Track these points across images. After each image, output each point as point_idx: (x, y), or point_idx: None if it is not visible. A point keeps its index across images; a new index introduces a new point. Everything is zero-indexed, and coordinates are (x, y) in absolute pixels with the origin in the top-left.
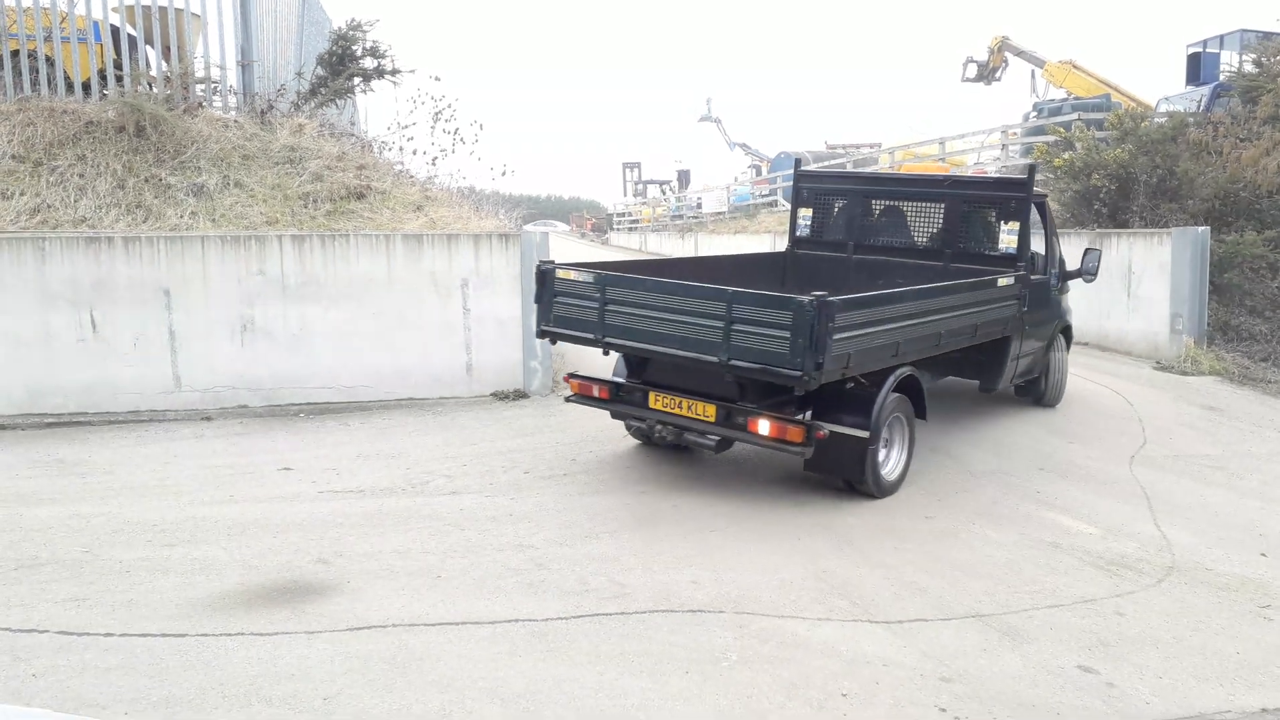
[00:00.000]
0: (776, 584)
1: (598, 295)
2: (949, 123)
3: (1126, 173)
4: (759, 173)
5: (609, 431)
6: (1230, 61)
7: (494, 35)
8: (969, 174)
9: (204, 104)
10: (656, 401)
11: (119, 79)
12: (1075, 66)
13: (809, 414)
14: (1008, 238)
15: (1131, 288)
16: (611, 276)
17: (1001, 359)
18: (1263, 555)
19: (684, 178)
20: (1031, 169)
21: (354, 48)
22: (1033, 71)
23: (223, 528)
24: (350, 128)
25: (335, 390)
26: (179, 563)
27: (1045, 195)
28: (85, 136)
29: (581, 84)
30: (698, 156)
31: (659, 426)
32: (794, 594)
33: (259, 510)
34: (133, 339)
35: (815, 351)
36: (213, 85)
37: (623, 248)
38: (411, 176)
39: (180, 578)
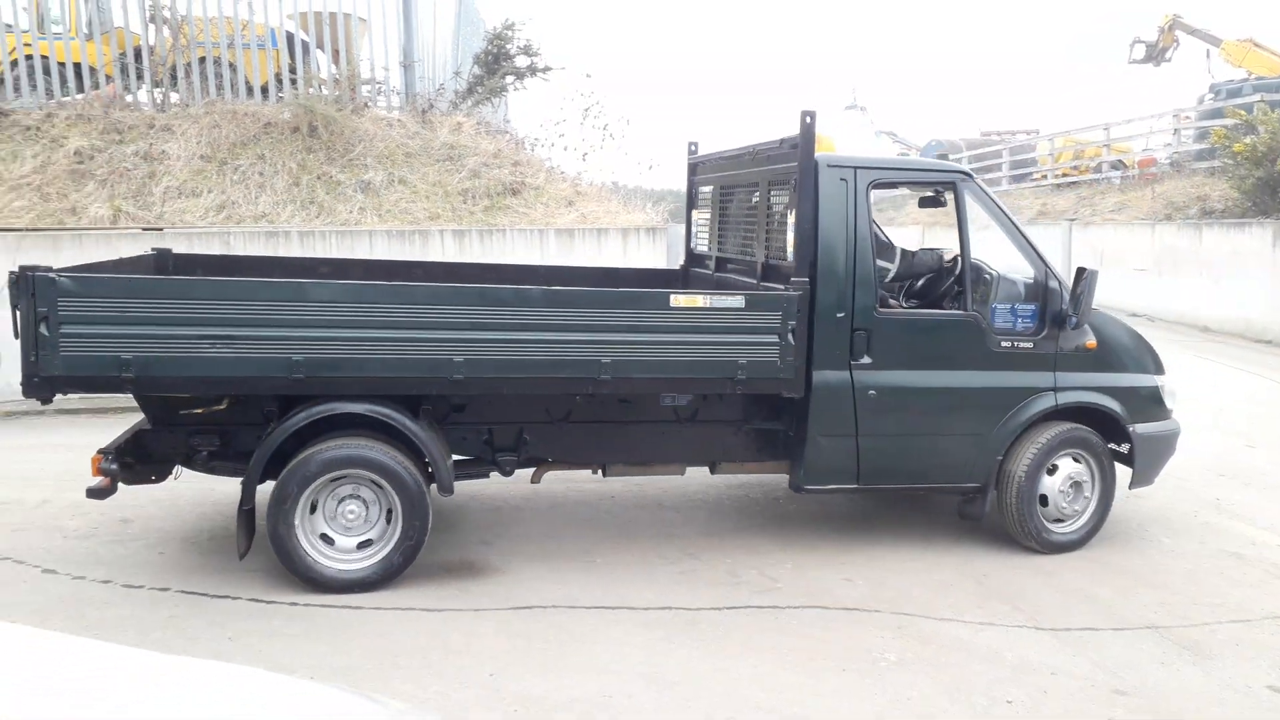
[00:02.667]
0: (933, 585)
1: None
2: (1118, 107)
3: None
4: None
5: None
6: None
7: (640, 25)
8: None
9: (369, 104)
10: None
11: (293, 82)
12: (1256, 44)
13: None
14: (791, 237)
15: None
16: None
17: (802, 434)
18: None
19: None
20: (807, 116)
21: (508, 46)
22: (1208, 51)
23: None
24: (504, 125)
25: None
26: None
27: (959, 172)
28: (264, 137)
29: (727, 74)
30: (843, 147)
31: None
32: (952, 596)
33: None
34: None
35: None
36: (377, 86)
37: None
38: (562, 172)
39: None
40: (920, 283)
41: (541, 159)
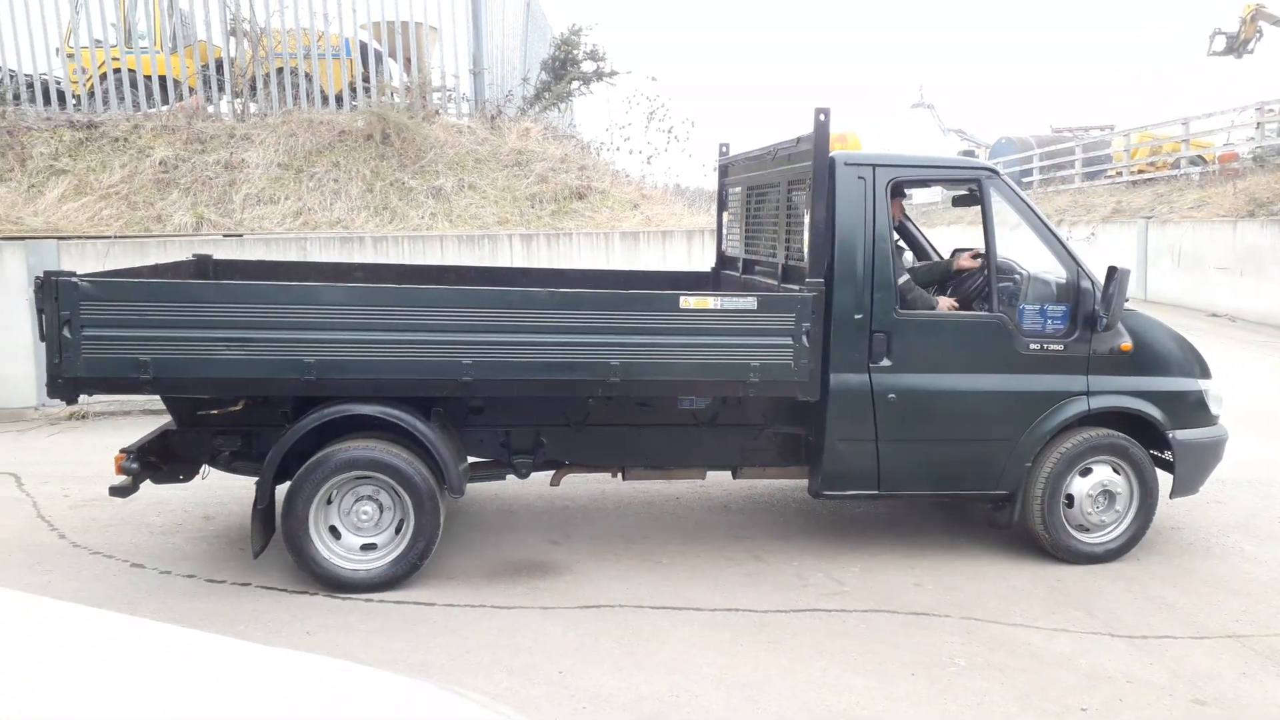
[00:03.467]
0: (1005, 591)
1: None
2: (1198, 101)
3: None
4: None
5: None
6: None
7: (706, 25)
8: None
9: (440, 111)
10: None
11: (366, 90)
12: None
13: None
14: (806, 237)
15: None
16: None
17: (820, 440)
18: None
19: None
20: (821, 113)
21: (575, 52)
22: None
23: (458, 507)
24: (570, 129)
25: None
26: None
27: (984, 169)
28: (338, 144)
29: (793, 74)
30: (910, 145)
31: None
32: (1024, 602)
33: (493, 489)
34: None
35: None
36: (447, 93)
37: None
38: (627, 176)
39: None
40: (950, 284)
41: (607, 163)
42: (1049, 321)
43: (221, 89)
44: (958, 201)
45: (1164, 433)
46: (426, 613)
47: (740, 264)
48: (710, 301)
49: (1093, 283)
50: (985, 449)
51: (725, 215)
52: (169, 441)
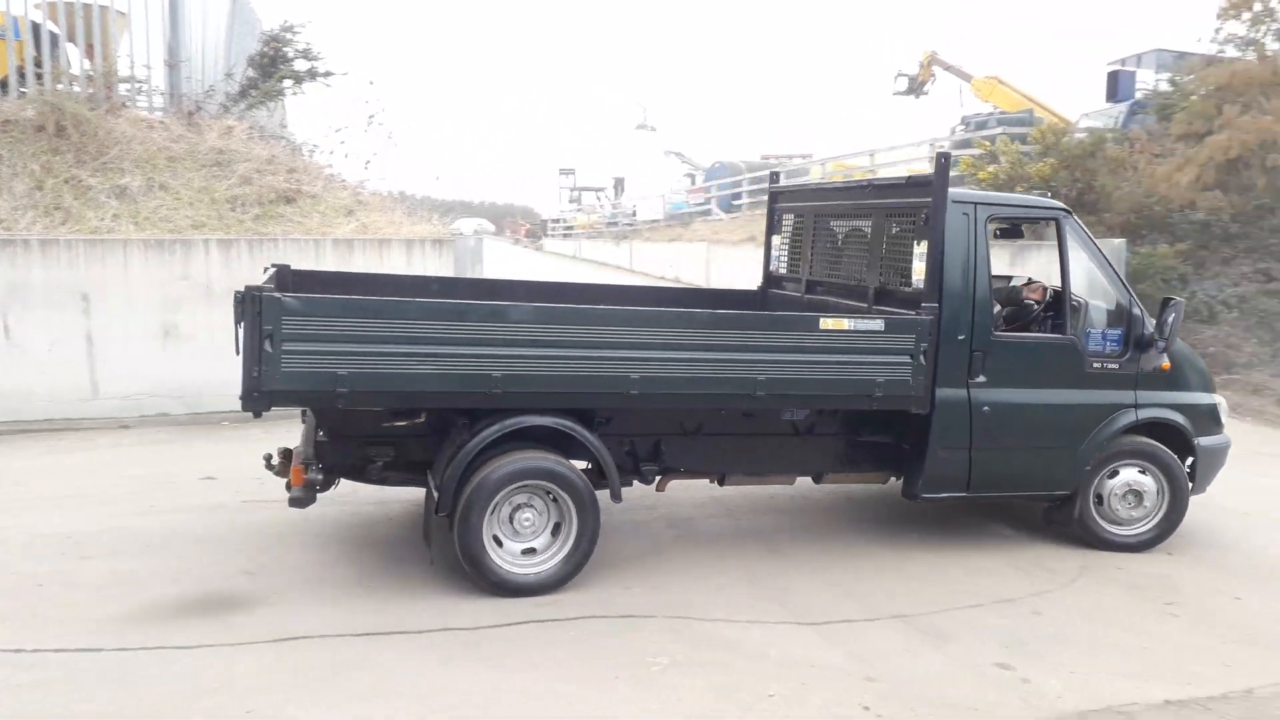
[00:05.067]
0: (710, 589)
1: None
2: (881, 135)
3: (1048, 186)
4: (694, 182)
5: None
6: (1147, 80)
7: (431, 43)
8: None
9: (128, 104)
10: None
11: (39, 77)
12: (1000, 82)
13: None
14: (917, 265)
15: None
16: None
17: (921, 448)
18: (1169, 555)
19: (619, 185)
20: (942, 158)
21: (286, 49)
22: (960, 86)
23: (142, 539)
24: (281, 130)
25: None
26: (95, 575)
27: (1061, 209)
28: (2, 136)
29: (517, 89)
30: (632, 164)
31: None
32: (727, 598)
33: (180, 520)
34: (49, 344)
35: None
36: (138, 85)
37: (558, 254)
38: (343, 181)
39: (96, 591)
40: (1007, 310)
41: (321, 166)
42: (1108, 344)
43: None
44: (1001, 235)
45: (1190, 440)
46: (93, 660)
47: (804, 285)
48: (845, 323)
49: (1142, 310)
50: (1056, 455)
51: (775, 239)
52: (322, 453)
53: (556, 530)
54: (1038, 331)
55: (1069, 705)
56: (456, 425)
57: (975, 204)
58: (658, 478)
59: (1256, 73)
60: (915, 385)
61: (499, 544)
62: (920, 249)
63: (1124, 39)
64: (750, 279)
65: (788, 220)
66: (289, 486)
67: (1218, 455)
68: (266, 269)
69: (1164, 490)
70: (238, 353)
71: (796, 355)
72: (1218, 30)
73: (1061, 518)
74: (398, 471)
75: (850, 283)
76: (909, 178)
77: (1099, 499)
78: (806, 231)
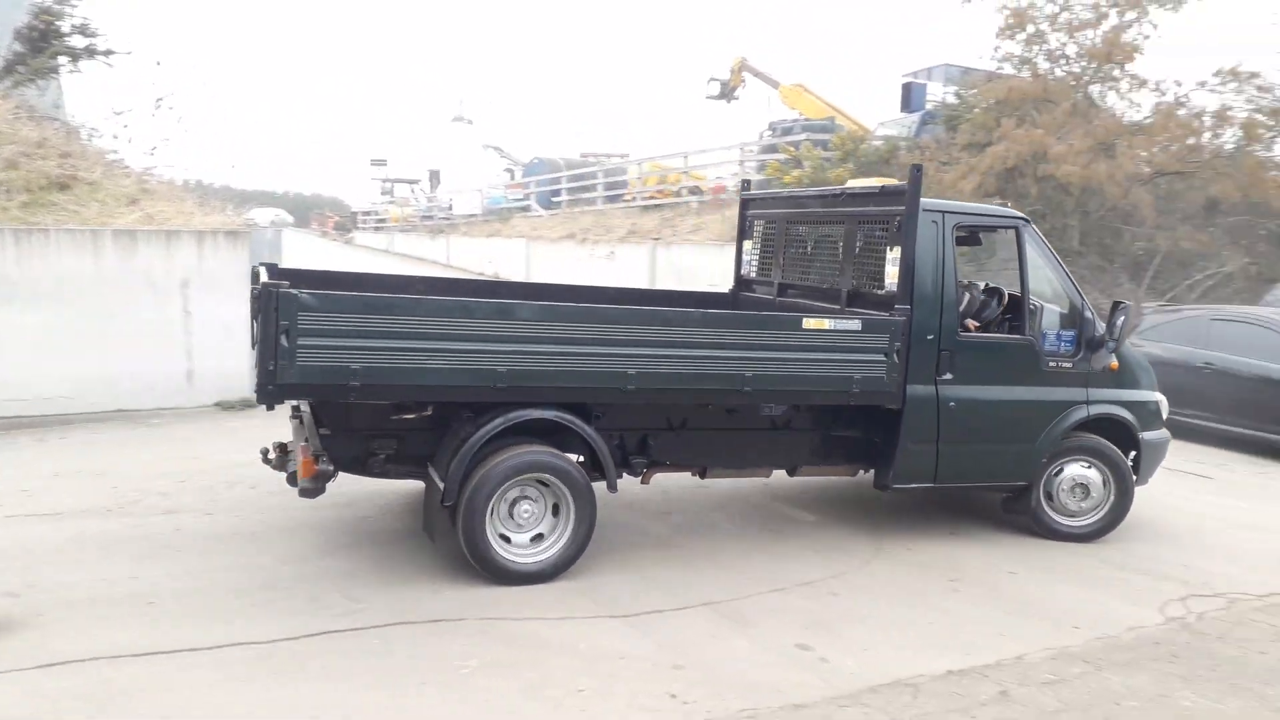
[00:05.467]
0: (523, 588)
1: None
2: (696, 137)
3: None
4: (513, 176)
5: None
6: (936, 93)
7: (236, 25)
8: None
9: None
10: None
11: None
12: (805, 89)
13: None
14: (890, 269)
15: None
16: None
17: (892, 441)
18: (952, 534)
19: (435, 177)
20: (915, 170)
21: (59, 23)
22: (769, 93)
23: None
24: (55, 111)
25: (29, 402)
26: None
27: (1021, 218)
28: None
29: (328, 75)
30: (450, 157)
31: None
32: (538, 595)
33: None
34: None
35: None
36: None
37: (369, 248)
38: (126, 167)
39: None
40: (971, 311)
41: (102, 152)
42: (1062, 344)
43: None
44: (960, 242)
45: (1135, 435)
46: None
47: (775, 288)
48: (826, 323)
49: (1094, 314)
50: (1016, 447)
51: (747, 243)
52: (327, 446)
53: (556, 513)
54: (998, 333)
55: (862, 681)
56: (459, 418)
57: (944, 213)
58: (644, 470)
59: (1030, 89)
60: (890, 382)
61: (506, 540)
62: (893, 254)
63: (919, 52)
64: (570, 275)
65: (759, 225)
66: (291, 480)
67: (1160, 449)
68: (256, 267)
69: (1110, 483)
70: (253, 346)
71: (781, 353)
72: (996, 49)
73: (1019, 507)
74: (399, 464)
75: (823, 286)
76: (882, 187)
77: (1048, 493)
78: (779, 236)
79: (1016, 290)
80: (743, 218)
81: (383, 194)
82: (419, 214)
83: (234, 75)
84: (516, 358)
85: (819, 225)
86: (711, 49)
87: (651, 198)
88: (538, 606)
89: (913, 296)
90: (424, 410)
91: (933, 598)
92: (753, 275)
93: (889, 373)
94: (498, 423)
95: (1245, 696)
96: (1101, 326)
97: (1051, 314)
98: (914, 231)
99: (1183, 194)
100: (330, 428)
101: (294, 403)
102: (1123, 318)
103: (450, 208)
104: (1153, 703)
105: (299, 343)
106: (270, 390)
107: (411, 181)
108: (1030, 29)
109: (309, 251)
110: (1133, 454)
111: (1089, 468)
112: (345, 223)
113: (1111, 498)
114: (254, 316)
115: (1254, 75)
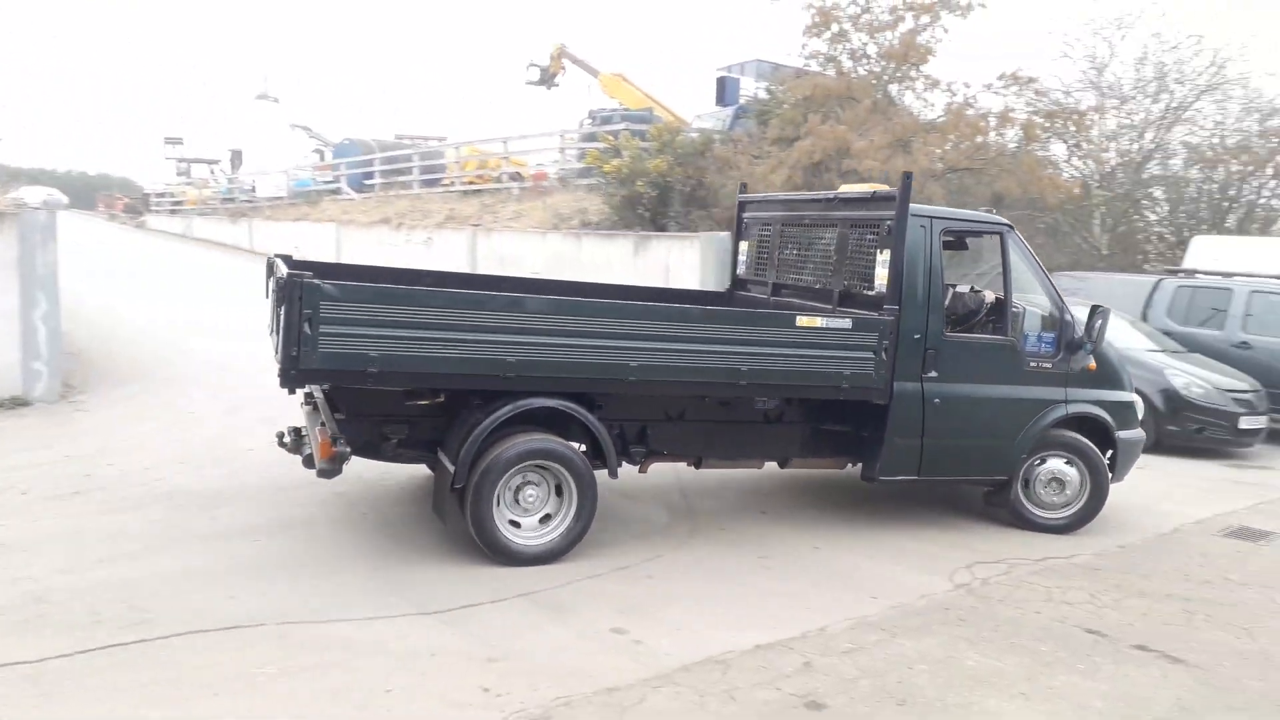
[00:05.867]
0: (323, 588)
1: None
2: (515, 122)
3: (665, 181)
4: (322, 157)
5: (133, 441)
6: (749, 87)
7: None
8: (871, 189)
9: None
10: None
11: None
12: (625, 79)
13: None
14: (880, 271)
15: (670, 282)
16: None
17: (879, 436)
18: (763, 513)
19: (237, 158)
20: (906, 177)
21: None
22: (589, 81)
23: None
24: None
25: None
26: None
27: (1005, 224)
28: None
29: (116, 46)
30: (251, 136)
31: None
32: (344, 596)
33: None
34: None
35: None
36: None
37: (164, 232)
38: None
39: None
40: (957, 314)
41: None
42: (1043, 345)
43: None
44: (946, 246)
45: (1112, 433)
46: None
47: (770, 287)
48: (818, 321)
49: (1073, 316)
50: (997, 443)
51: (743, 244)
52: (342, 431)
53: (559, 494)
54: (982, 333)
55: (675, 660)
56: (469, 406)
57: (931, 218)
58: (643, 459)
59: (834, 86)
60: (878, 378)
61: (515, 525)
62: (883, 257)
63: (733, 47)
64: (383, 260)
65: (754, 228)
66: (308, 462)
67: (1135, 447)
68: (272, 258)
69: (1086, 479)
70: (274, 333)
71: (776, 348)
72: (804, 46)
73: (999, 500)
74: (410, 449)
75: (815, 286)
76: (874, 192)
77: (1027, 485)
78: (774, 238)
79: (1001, 293)
80: (739, 219)
81: (179, 175)
82: (219, 196)
83: (6, 45)
84: (525, 348)
85: (813, 228)
86: (532, 33)
87: (471, 183)
88: (345, 608)
89: (901, 297)
90: (436, 397)
91: (744, 574)
92: (749, 275)
93: (877, 369)
94: (507, 410)
95: (1021, 654)
96: (1080, 329)
97: (1033, 316)
98: (903, 235)
99: (972, 189)
100: (345, 413)
101: (307, 389)
102: (1100, 321)
103: (253, 190)
104: (941, 664)
105: (321, 330)
106: (293, 375)
107: (211, 162)
108: (835, 28)
109: (92, 236)
110: (1109, 452)
111: (1068, 464)
112: (137, 205)
113: (1086, 493)
114: (277, 305)
115: (1032, 80)
